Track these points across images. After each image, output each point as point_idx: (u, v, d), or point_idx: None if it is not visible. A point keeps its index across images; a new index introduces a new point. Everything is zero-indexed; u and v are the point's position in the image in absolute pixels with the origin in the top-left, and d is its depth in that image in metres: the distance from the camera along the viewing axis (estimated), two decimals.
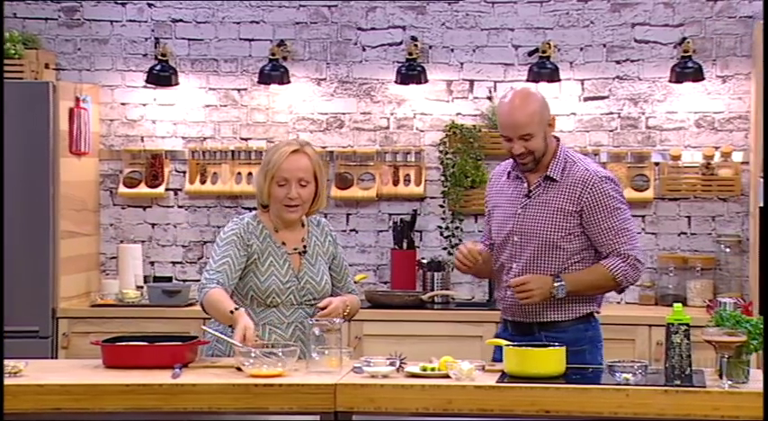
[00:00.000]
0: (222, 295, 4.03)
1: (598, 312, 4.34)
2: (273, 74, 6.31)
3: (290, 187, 4.15)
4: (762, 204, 5.55)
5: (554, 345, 3.83)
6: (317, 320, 4.01)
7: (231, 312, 3.96)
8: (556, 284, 4.18)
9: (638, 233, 4.33)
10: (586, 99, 6.28)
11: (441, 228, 6.35)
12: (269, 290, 4.16)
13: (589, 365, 4.13)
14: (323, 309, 4.12)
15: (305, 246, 4.27)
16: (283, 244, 4.23)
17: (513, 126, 4.17)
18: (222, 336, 4.04)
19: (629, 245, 4.21)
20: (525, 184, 4.29)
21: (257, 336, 3.94)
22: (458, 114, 6.32)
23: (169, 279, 6.38)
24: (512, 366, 3.79)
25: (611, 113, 6.26)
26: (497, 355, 4.16)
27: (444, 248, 6.31)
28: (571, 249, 4.23)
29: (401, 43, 6.35)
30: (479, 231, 6.32)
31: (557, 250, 4.22)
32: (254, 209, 6.43)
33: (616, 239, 4.20)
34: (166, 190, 6.45)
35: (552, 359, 3.78)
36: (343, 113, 6.41)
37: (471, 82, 6.33)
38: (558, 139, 4.32)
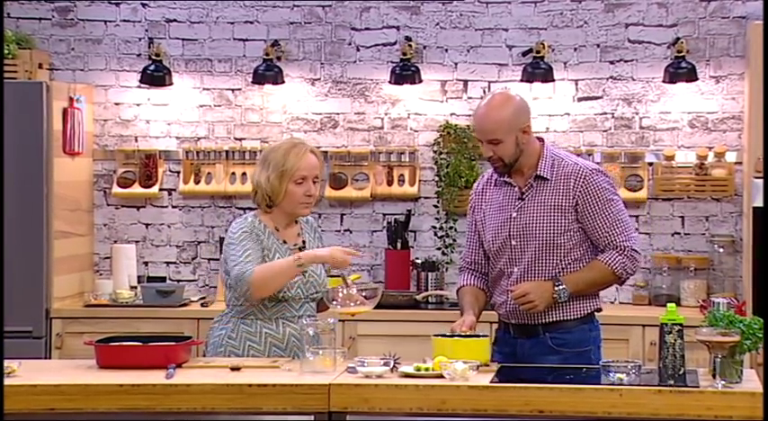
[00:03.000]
0: (268, 264, 4.17)
1: (600, 310, 4.35)
2: (267, 74, 6.31)
3: (309, 184, 4.26)
4: (760, 205, 5.56)
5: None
6: (313, 320, 4.05)
7: (299, 263, 4.13)
8: (557, 288, 4.18)
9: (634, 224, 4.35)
10: (580, 99, 6.28)
11: (435, 228, 6.35)
12: None
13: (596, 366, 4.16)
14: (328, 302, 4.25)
15: (303, 242, 4.34)
16: (284, 242, 4.30)
17: (482, 130, 4.22)
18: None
19: (624, 236, 4.23)
20: (516, 188, 4.28)
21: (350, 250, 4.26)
22: (452, 114, 6.32)
23: (163, 279, 6.38)
24: (439, 356, 3.88)
25: (605, 114, 6.27)
26: (497, 357, 4.20)
27: (438, 248, 6.31)
28: (569, 246, 4.23)
29: (395, 43, 6.35)
30: None
31: (556, 248, 4.22)
32: (250, 209, 6.47)
33: (612, 231, 4.22)
34: (160, 190, 6.45)
35: (478, 348, 3.95)
36: (338, 113, 6.41)
37: (465, 82, 6.33)
38: (541, 140, 4.32)
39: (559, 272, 4.22)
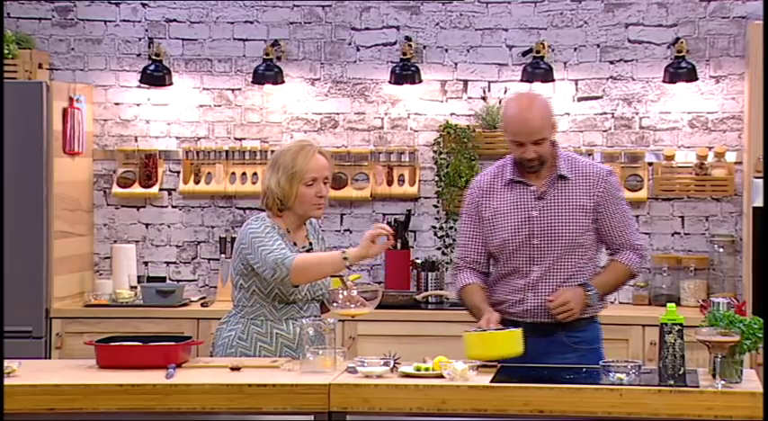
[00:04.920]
0: (312, 254, 4.21)
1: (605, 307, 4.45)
2: (267, 74, 6.31)
3: (319, 186, 4.26)
4: (760, 205, 5.56)
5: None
6: (312, 320, 4.06)
7: (344, 258, 4.09)
8: (589, 293, 4.24)
9: None
10: (580, 99, 6.28)
11: (435, 228, 6.35)
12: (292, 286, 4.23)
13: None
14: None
15: (310, 244, 4.36)
16: (294, 244, 4.31)
17: (527, 132, 4.19)
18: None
19: (635, 235, 4.38)
20: (532, 187, 4.28)
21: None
22: (452, 114, 6.32)
23: (163, 279, 6.38)
24: (473, 351, 3.94)
25: (605, 113, 6.27)
26: None
27: (438, 248, 6.31)
28: (587, 245, 4.29)
29: (395, 43, 6.35)
30: None
31: (577, 248, 4.27)
32: (249, 209, 6.47)
33: (626, 231, 4.33)
34: (160, 190, 6.45)
35: (511, 340, 3.98)
36: (337, 113, 6.41)
37: (465, 82, 6.33)
38: (554, 141, 4.35)
39: (577, 271, 4.27)
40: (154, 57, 6.36)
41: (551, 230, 4.25)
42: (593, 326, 4.35)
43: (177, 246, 6.49)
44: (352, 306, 4.16)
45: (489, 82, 6.31)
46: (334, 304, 4.16)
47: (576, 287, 4.25)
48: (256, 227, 4.23)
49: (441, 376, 3.77)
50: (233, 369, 3.94)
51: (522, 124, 4.20)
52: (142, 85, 6.43)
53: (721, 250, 6.11)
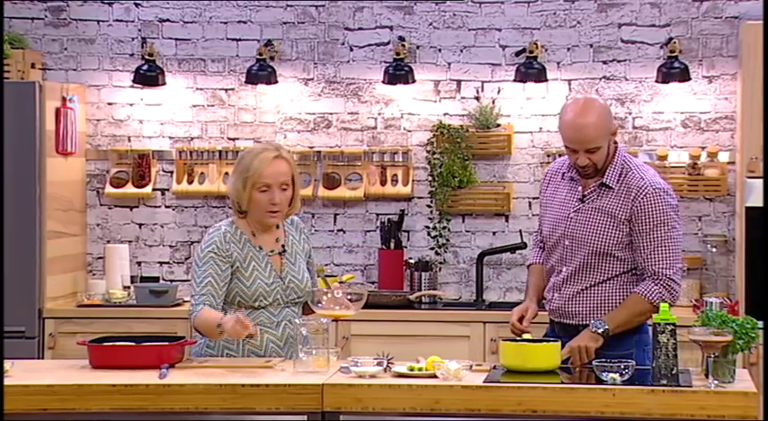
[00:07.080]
0: (208, 312, 4.05)
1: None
2: (261, 74, 6.30)
3: (273, 193, 4.13)
4: (753, 204, 5.57)
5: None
6: (306, 320, 4.04)
7: (218, 325, 3.97)
8: (596, 331, 4.07)
9: (681, 253, 4.21)
10: None
11: (428, 228, 6.35)
12: (256, 293, 4.16)
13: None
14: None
15: (283, 247, 4.25)
16: (260, 248, 4.21)
17: (581, 140, 4.10)
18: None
19: (665, 263, 4.11)
20: (580, 188, 4.23)
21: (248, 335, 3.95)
22: (445, 114, 6.32)
23: (156, 279, 6.37)
24: (509, 360, 3.89)
25: None
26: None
27: (432, 248, 6.31)
28: (622, 256, 4.16)
29: (388, 43, 6.35)
30: (467, 231, 6.34)
31: (610, 258, 4.17)
32: None
33: (654, 255, 4.12)
34: (153, 190, 6.44)
35: (548, 354, 3.89)
36: (331, 113, 6.40)
37: (459, 82, 6.34)
38: (616, 144, 4.22)
39: (607, 280, 4.18)
40: (147, 56, 6.36)
41: (580, 234, 4.18)
42: (623, 331, 4.13)
43: (170, 246, 6.49)
44: (336, 307, 4.09)
45: (482, 82, 6.31)
46: (319, 305, 4.10)
47: (583, 332, 4.10)
48: (203, 247, 4.14)
49: (434, 376, 3.77)
50: (231, 368, 3.93)
51: (575, 131, 4.10)
52: (135, 85, 6.42)
53: (714, 250, 6.11)
